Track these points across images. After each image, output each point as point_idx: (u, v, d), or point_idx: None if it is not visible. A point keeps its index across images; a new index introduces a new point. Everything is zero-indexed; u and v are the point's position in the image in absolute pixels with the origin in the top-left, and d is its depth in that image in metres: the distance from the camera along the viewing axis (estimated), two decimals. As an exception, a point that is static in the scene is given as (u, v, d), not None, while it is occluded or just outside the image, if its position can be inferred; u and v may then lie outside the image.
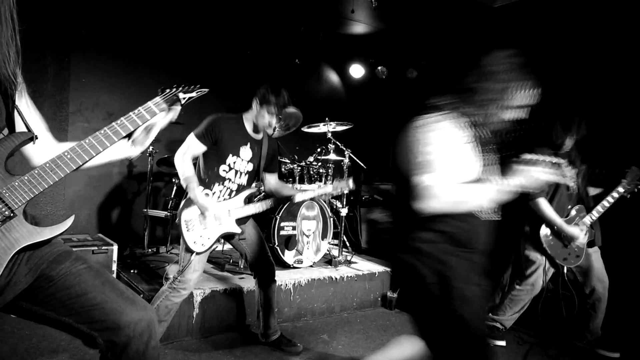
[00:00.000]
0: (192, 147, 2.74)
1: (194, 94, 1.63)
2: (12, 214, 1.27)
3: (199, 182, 2.72)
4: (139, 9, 4.77)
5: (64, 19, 4.44)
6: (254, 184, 3.01)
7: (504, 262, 3.75)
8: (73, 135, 4.59)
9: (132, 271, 3.77)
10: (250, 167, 2.90)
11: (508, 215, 3.66)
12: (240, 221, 2.87)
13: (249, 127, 2.89)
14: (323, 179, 4.59)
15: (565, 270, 3.33)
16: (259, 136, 2.94)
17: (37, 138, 1.38)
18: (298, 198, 3.04)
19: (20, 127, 1.47)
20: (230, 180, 2.84)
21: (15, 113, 1.42)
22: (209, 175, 2.80)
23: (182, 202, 2.69)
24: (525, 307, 3.42)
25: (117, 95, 4.84)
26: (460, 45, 5.63)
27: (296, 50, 5.79)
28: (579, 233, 3.18)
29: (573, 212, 3.27)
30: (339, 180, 3.14)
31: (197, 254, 2.69)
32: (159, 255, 4.38)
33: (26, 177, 1.30)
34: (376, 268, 4.33)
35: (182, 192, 4.41)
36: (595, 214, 3.23)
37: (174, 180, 4.50)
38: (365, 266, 4.39)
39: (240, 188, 2.87)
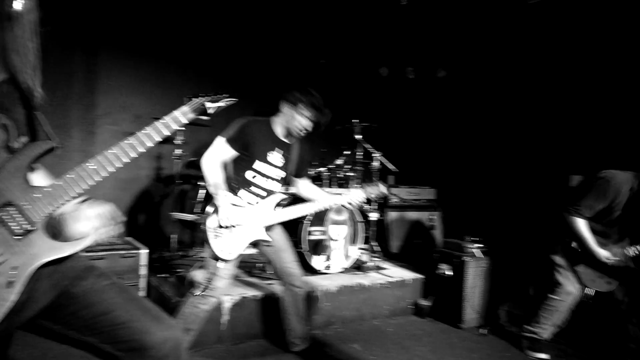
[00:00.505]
0: (220, 152, 2.66)
1: (222, 104, 1.58)
2: (32, 228, 1.19)
3: (227, 187, 2.64)
4: (163, 12, 4.75)
5: (92, 21, 4.45)
6: (283, 189, 2.91)
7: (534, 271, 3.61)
8: (101, 137, 4.60)
9: (160, 275, 3.72)
10: (279, 172, 2.80)
11: (543, 223, 3.49)
12: (268, 227, 2.77)
13: (279, 131, 2.80)
14: (352, 182, 4.47)
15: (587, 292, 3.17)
16: (289, 140, 2.84)
17: (59, 147, 1.31)
18: (328, 205, 2.90)
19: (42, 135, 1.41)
20: (258, 185, 2.74)
21: (36, 120, 1.36)
22: (237, 181, 2.71)
23: (209, 209, 2.60)
24: (565, 318, 3.23)
25: (144, 98, 4.82)
26: (494, 43, 5.41)
27: (321, 51, 5.68)
28: (607, 256, 3.02)
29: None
30: (370, 185, 2.99)
31: (225, 262, 2.60)
32: (186, 258, 4.33)
33: (48, 189, 1.23)
34: (407, 275, 4.17)
35: (210, 196, 4.37)
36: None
37: (200, 183, 4.45)
38: (395, 273, 4.24)
39: (269, 193, 2.77)
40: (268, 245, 2.79)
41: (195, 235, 4.61)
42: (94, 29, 4.47)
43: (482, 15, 4.82)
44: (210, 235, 2.56)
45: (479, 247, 3.85)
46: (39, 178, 1.34)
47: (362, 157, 4.57)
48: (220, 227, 2.57)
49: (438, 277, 3.95)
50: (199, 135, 4.50)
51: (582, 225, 3.04)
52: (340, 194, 2.94)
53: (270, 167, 2.76)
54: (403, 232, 5.27)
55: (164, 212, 4.90)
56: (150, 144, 1.39)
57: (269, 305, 3.36)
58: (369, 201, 4.33)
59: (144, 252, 3.64)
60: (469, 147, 5.70)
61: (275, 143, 2.77)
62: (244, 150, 2.69)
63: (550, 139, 4.72)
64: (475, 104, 5.71)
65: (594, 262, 3.07)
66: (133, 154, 1.36)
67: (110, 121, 4.65)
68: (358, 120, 4.45)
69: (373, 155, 4.39)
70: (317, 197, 2.92)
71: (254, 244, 2.79)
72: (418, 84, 6.10)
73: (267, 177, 2.76)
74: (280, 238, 2.85)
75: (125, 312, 1.29)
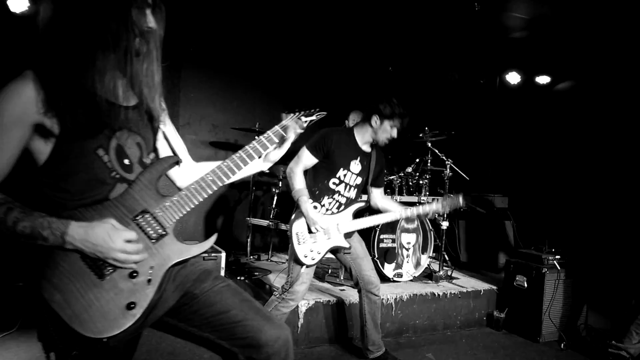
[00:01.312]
0: (304, 160, 2.78)
1: (314, 117, 1.71)
2: (165, 232, 1.34)
3: (309, 194, 2.75)
4: (237, 31, 4.99)
5: (176, 37, 4.76)
6: (360, 198, 2.98)
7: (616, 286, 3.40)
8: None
9: (238, 278, 3.91)
10: (359, 180, 2.88)
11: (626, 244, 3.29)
12: (347, 235, 2.85)
13: (360, 141, 2.88)
14: (422, 190, 4.46)
15: None
16: (369, 149, 2.92)
17: (181, 162, 1.46)
18: (406, 215, 2.92)
19: (164, 150, 1.58)
20: (339, 193, 2.84)
21: (161, 137, 1.53)
22: (319, 188, 2.82)
23: (293, 215, 2.72)
24: None
25: (220, 109, 5.10)
26: (568, 51, 5.20)
27: (390, 58, 5.72)
28: None
29: None
30: (448, 198, 2.95)
31: (307, 267, 2.71)
32: (260, 262, 4.51)
33: (175, 198, 1.37)
34: (481, 285, 4.10)
35: (282, 202, 4.53)
36: None
37: (273, 189, 4.63)
38: (468, 283, 4.18)
39: (349, 201, 2.86)
40: (347, 252, 2.86)
41: (269, 240, 4.78)
42: (177, 44, 4.79)
43: (555, 18, 4.65)
44: (295, 241, 2.67)
45: (557, 259, 3.72)
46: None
47: (432, 164, 4.55)
48: (309, 232, 2.68)
49: (513, 289, 3.85)
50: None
51: None
52: (419, 203, 2.95)
53: (352, 175, 2.85)
54: (475, 241, 5.17)
55: (238, 216, 5.13)
56: (257, 157, 1.52)
57: (342, 310, 3.43)
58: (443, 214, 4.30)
59: (223, 255, 3.84)
60: (542, 154, 5.50)
61: (356, 152, 2.86)
62: (326, 159, 2.79)
63: (629, 143, 4.47)
64: (551, 109, 5.51)
65: None
66: (243, 165, 1.48)
67: (191, 131, 4.95)
68: (428, 128, 4.44)
69: (445, 162, 4.35)
70: (393, 208, 2.96)
71: (334, 251, 2.88)
72: (489, 90, 5.97)
73: (348, 185, 2.85)
74: (359, 246, 2.93)
75: (241, 311, 1.42)
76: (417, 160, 4.51)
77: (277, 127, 1.58)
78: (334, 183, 2.82)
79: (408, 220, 4.09)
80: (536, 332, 3.63)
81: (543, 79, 5.57)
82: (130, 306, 1.23)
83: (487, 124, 6.08)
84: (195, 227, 4.95)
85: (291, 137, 1.58)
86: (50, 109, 1.18)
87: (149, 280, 1.28)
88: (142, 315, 1.28)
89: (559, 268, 3.67)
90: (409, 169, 4.47)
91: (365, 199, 3.05)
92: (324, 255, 2.76)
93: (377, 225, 3.92)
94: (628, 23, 4.39)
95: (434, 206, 2.86)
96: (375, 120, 2.81)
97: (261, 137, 1.54)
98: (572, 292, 3.77)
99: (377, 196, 3.07)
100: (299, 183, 2.72)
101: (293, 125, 1.57)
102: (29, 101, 1.17)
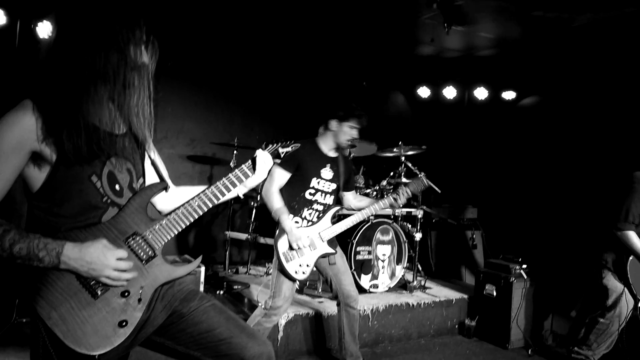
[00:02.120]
0: (277, 178, 2.85)
1: (289, 149, 1.84)
2: (154, 254, 1.42)
3: (289, 209, 2.83)
4: (214, 46, 5.07)
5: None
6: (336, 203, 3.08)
7: (577, 293, 3.60)
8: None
9: (217, 292, 3.95)
10: (333, 186, 2.99)
11: (586, 243, 3.50)
12: (331, 242, 2.94)
13: (325, 149, 3.00)
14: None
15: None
16: (335, 154, 3.04)
17: (169, 188, 1.54)
18: (381, 207, 3.02)
19: (151, 175, 1.65)
20: (317, 202, 2.94)
21: (148, 162, 1.60)
22: (297, 201, 2.91)
23: (276, 234, 2.79)
24: (614, 341, 3.23)
25: (199, 123, 5.15)
26: (535, 67, 5.50)
27: (364, 73, 5.89)
28: None
29: None
30: (413, 181, 3.11)
31: (299, 281, 2.78)
32: (238, 275, 4.56)
33: (164, 221, 1.45)
34: (452, 295, 4.26)
35: (260, 215, 4.59)
36: None
37: (251, 203, 4.69)
38: (440, 292, 4.33)
39: (326, 208, 2.96)
40: (331, 263, 2.94)
41: (247, 253, 4.83)
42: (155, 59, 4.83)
43: (524, 39, 4.92)
44: (283, 260, 2.74)
45: (524, 268, 3.90)
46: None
47: (406, 177, 4.69)
48: (291, 249, 2.75)
49: (483, 297, 4.02)
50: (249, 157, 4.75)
51: (634, 238, 3.02)
52: (388, 199, 3.03)
53: (325, 182, 2.96)
54: (445, 251, 5.34)
55: (215, 230, 5.17)
56: (239, 184, 1.62)
57: (320, 322, 3.52)
58: (413, 221, 4.46)
59: (202, 270, 3.87)
60: (510, 166, 5.75)
61: (325, 159, 2.98)
62: (298, 172, 2.89)
63: (592, 155, 4.75)
64: (518, 123, 5.78)
65: None
66: (226, 192, 1.59)
67: (168, 145, 4.98)
68: (401, 142, 4.59)
69: (418, 175, 4.50)
70: (366, 204, 3.07)
71: (322, 258, 2.93)
72: (459, 106, 6.21)
73: (324, 192, 2.96)
74: (340, 261, 3.01)
75: (226, 329, 1.50)
76: (392, 173, 4.65)
77: (251, 160, 1.69)
78: (310, 193, 2.91)
79: (383, 232, 4.22)
80: (505, 339, 3.80)
81: (509, 95, 5.84)
82: (122, 324, 1.30)
83: (458, 138, 6.32)
84: (172, 240, 4.94)
85: (262, 167, 1.68)
86: (47, 137, 1.25)
87: (140, 300, 1.35)
88: (132, 333, 1.35)
89: (525, 277, 3.85)
90: (384, 182, 4.60)
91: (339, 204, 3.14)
92: (314, 265, 2.85)
93: (354, 237, 4.04)
94: (586, 41, 4.70)
95: (403, 191, 2.99)
96: (334, 124, 2.94)
97: (242, 166, 1.65)
98: (538, 299, 3.96)
99: (350, 199, 3.20)
100: (276, 202, 2.79)
101: (266, 158, 1.69)
102: (28, 129, 1.23)
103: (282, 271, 2.78)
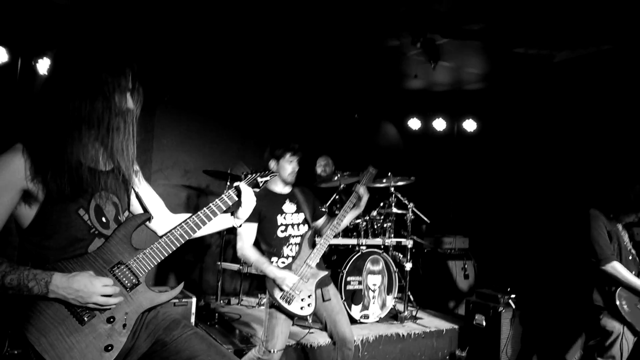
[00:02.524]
0: (246, 234, 2.87)
1: (267, 178, 1.95)
2: (138, 282, 1.48)
3: (270, 255, 2.88)
4: (209, 77, 5.25)
5: (150, 86, 4.96)
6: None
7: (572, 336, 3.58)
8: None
9: (208, 323, 3.95)
10: (302, 216, 3.04)
11: (577, 284, 3.53)
12: (320, 266, 2.95)
13: (276, 188, 3.04)
14: (387, 232, 4.67)
15: None
16: (288, 189, 3.08)
17: (152, 218, 1.62)
18: (349, 211, 3.05)
19: (137, 208, 1.74)
20: (292, 235, 2.97)
21: (133, 196, 1.69)
22: (274, 244, 2.93)
23: (267, 285, 2.79)
24: None
25: (193, 155, 5.26)
26: (521, 100, 5.68)
27: (356, 106, 6.06)
28: None
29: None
30: (363, 174, 3.14)
31: (309, 316, 2.79)
32: (230, 306, 4.57)
33: (147, 251, 1.53)
34: (443, 325, 4.27)
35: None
36: None
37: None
38: (431, 322, 4.34)
39: (303, 237, 3.00)
40: (326, 300, 2.93)
41: (239, 284, 4.85)
42: (152, 93, 4.98)
43: (509, 73, 5.11)
44: (284, 304, 2.74)
45: (512, 298, 3.94)
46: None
47: (396, 208, 4.77)
48: (284, 293, 2.75)
49: (473, 328, 4.03)
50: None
51: (620, 268, 3.02)
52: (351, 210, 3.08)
53: (291, 215, 3.01)
54: (437, 281, 5.36)
55: (208, 261, 5.20)
56: (219, 213, 1.70)
57: (311, 354, 3.53)
58: (403, 251, 4.50)
59: (193, 301, 3.89)
60: (501, 197, 5.85)
61: (281, 197, 3.03)
62: (262, 219, 2.92)
63: (579, 188, 4.85)
64: (507, 156, 5.91)
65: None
66: (207, 221, 1.66)
67: (163, 176, 5.08)
68: (391, 174, 4.70)
69: (407, 206, 4.60)
70: (340, 217, 3.07)
71: (320, 284, 2.92)
72: (449, 138, 6.36)
73: (294, 224, 3.00)
74: (335, 300, 2.99)
75: (208, 356, 1.55)
76: (382, 204, 4.73)
77: (232, 189, 1.78)
78: (281, 231, 2.94)
79: (373, 262, 4.26)
80: (495, 369, 3.80)
81: (498, 127, 5.99)
82: (107, 348, 1.36)
83: (448, 169, 6.44)
84: (166, 271, 4.98)
85: (246, 198, 1.76)
86: (35, 177, 1.35)
87: (124, 325, 1.42)
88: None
89: (514, 307, 3.88)
90: (374, 213, 4.67)
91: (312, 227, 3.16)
92: (315, 294, 2.86)
93: (344, 267, 4.08)
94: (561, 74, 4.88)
95: (360, 189, 3.03)
96: (273, 164, 3.00)
97: (223, 195, 1.74)
98: (528, 330, 3.97)
99: (324, 224, 3.19)
100: (253, 256, 2.82)
101: (245, 187, 1.78)
102: (18, 170, 1.34)
103: (287, 314, 2.77)
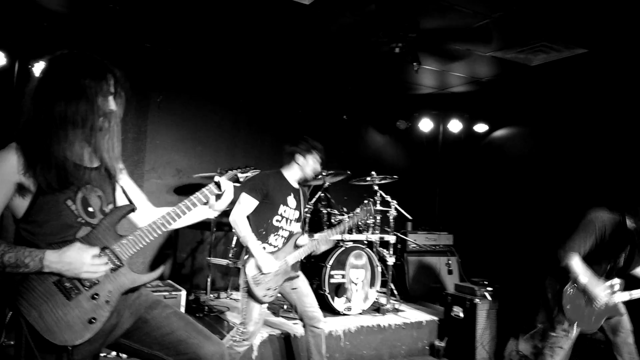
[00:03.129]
0: (246, 205, 3.07)
1: (249, 174, 2.10)
2: (121, 264, 1.66)
3: (257, 236, 3.05)
4: (202, 78, 5.42)
5: (143, 86, 5.14)
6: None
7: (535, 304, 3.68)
8: (147, 190, 5.17)
9: (197, 315, 4.13)
10: (297, 214, 3.24)
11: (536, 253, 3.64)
12: (295, 266, 3.16)
13: (290, 179, 3.27)
14: (370, 229, 4.84)
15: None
16: (297, 186, 3.31)
17: (136, 209, 1.80)
18: (330, 236, 3.32)
19: (121, 200, 1.91)
20: (282, 228, 3.17)
21: (119, 190, 1.87)
22: (265, 228, 3.12)
23: (245, 259, 2.99)
24: (569, 355, 3.33)
25: (185, 154, 5.43)
26: (504, 102, 5.87)
27: (345, 107, 6.25)
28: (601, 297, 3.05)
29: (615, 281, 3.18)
30: (361, 208, 3.50)
31: (267, 304, 2.98)
32: (219, 300, 4.75)
33: (131, 237, 1.71)
34: (424, 317, 4.45)
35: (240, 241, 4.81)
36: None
37: (233, 230, 4.91)
38: (412, 315, 4.52)
39: (290, 235, 3.20)
40: (293, 288, 3.16)
41: (228, 278, 5.03)
42: (145, 94, 5.17)
43: (492, 76, 5.29)
44: (252, 284, 2.93)
45: (489, 290, 4.12)
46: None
47: (379, 205, 4.96)
48: (260, 273, 2.95)
49: (452, 319, 4.22)
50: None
51: (576, 261, 3.09)
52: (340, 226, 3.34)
53: (290, 210, 3.21)
54: (421, 276, 5.55)
55: (199, 257, 5.37)
56: (199, 204, 1.88)
57: (294, 343, 3.70)
58: (386, 246, 4.69)
59: (183, 294, 4.07)
60: (485, 194, 6.04)
61: (290, 189, 3.25)
62: (266, 199, 3.11)
63: (559, 183, 5.04)
64: (491, 155, 6.10)
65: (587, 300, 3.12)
66: (187, 211, 1.84)
67: (156, 175, 5.24)
68: (374, 172, 4.88)
69: (390, 203, 4.78)
70: (326, 236, 3.34)
71: (287, 281, 3.15)
72: (433, 136, 6.55)
73: (289, 219, 3.20)
74: (302, 284, 3.23)
75: (185, 332, 1.74)
76: (365, 202, 4.90)
77: (213, 183, 1.95)
78: (277, 220, 3.14)
79: (357, 257, 4.44)
80: (471, 358, 3.97)
81: (481, 127, 6.19)
82: (91, 321, 1.54)
83: (435, 168, 6.63)
84: (157, 266, 5.13)
85: (226, 191, 1.93)
86: (27, 171, 1.53)
87: (107, 301, 1.60)
88: (103, 335, 1.59)
89: (489, 299, 4.07)
90: (358, 210, 4.83)
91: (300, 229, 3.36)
92: (280, 288, 3.06)
93: (328, 261, 4.26)
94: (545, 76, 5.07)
95: (355, 218, 3.42)
96: (300, 157, 3.21)
97: (203, 189, 1.91)
98: (504, 321, 4.15)
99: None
100: (244, 229, 3.00)
101: (225, 182, 1.94)
102: (12, 165, 1.52)
103: (251, 295, 2.95)
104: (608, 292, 3.12)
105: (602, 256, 3.18)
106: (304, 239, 3.24)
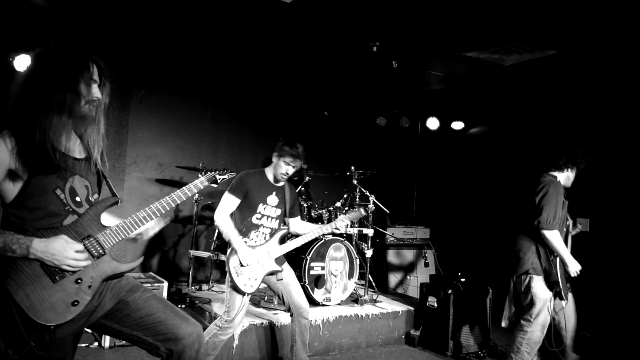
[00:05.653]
0: (227, 204, 3.21)
1: (226, 176, 2.20)
2: (104, 252, 1.75)
3: (239, 232, 3.17)
4: (184, 72, 5.47)
5: (125, 80, 5.17)
6: (283, 226, 3.44)
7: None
8: (129, 184, 5.22)
9: (179, 306, 4.20)
10: (278, 212, 3.35)
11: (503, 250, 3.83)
12: (278, 260, 3.27)
13: (271, 178, 3.37)
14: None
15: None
16: (281, 184, 3.41)
17: (121, 201, 1.88)
18: (321, 233, 3.44)
19: (106, 191, 1.99)
20: (263, 226, 3.29)
21: (104, 183, 1.94)
22: (245, 226, 3.25)
23: (228, 252, 3.12)
24: (540, 343, 3.50)
25: (167, 148, 5.48)
26: (473, 102, 6.05)
27: (326, 104, 6.35)
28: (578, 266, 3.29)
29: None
30: (352, 211, 3.62)
31: (248, 294, 3.10)
32: (201, 292, 4.83)
33: (114, 227, 1.79)
34: (400, 307, 4.60)
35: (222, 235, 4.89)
36: None
37: (215, 223, 4.99)
38: (389, 305, 4.67)
39: (273, 231, 3.31)
40: (280, 279, 3.27)
41: (209, 271, 5.11)
42: (127, 87, 5.19)
43: (467, 76, 5.45)
44: (234, 274, 3.06)
45: (461, 281, 4.29)
46: (110, 218, 1.90)
47: (359, 199, 5.09)
48: (241, 265, 3.07)
49: (426, 309, 4.38)
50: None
51: (557, 237, 3.24)
52: (329, 225, 3.45)
53: (271, 207, 3.32)
54: (399, 269, 5.71)
55: (181, 249, 5.44)
56: (179, 202, 1.97)
57: (274, 332, 3.82)
58: (365, 239, 4.84)
59: (165, 285, 4.14)
60: (461, 189, 6.22)
61: (271, 187, 3.35)
62: (245, 198, 3.24)
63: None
64: (467, 151, 6.28)
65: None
66: (168, 208, 1.92)
67: (137, 169, 5.28)
68: (354, 167, 5.01)
69: (369, 197, 4.91)
70: (311, 229, 3.45)
71: (267, 279, 3.28)
72: (411, 133, 6.70)
73: (270, 217, 3.31)
74: (289, 275, 3.35)
75: (163, 313, 1.83)
76: (345, 195, 5.04)
77: (197, 181, 2.06)
78: (257, 218, 3.26)
79: (336, 249, 4.57)
80: (444, 346, 4.14)
81: (458, 125, 6.37)
82: (74, 303, 1.63)
83: (412, 165, 6.79)
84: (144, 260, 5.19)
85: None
86: (18, 157, 1.60)
87: (90, 286, 1.69)
88: (85, 315, 1.67)
89: (462, 289, 4.23)
90: (338, 204, 4.97)
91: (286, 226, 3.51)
92: (261, 281, 3.18)
93: (308, 254, 4.38)
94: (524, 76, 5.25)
95: (341, 220, 3.42)
96: (274, 158, 3.31)
97: (184, 187, 2.00)
98: (476, 310, 4.32)
99: (296, 224, 3.54)
100: (227, 226, 3.13)
101: (203, 182, 2.06)
102: (4, 152, 1.59)
103: (233, 286, 3.08)
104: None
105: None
106: (341, 222, 3.42)
